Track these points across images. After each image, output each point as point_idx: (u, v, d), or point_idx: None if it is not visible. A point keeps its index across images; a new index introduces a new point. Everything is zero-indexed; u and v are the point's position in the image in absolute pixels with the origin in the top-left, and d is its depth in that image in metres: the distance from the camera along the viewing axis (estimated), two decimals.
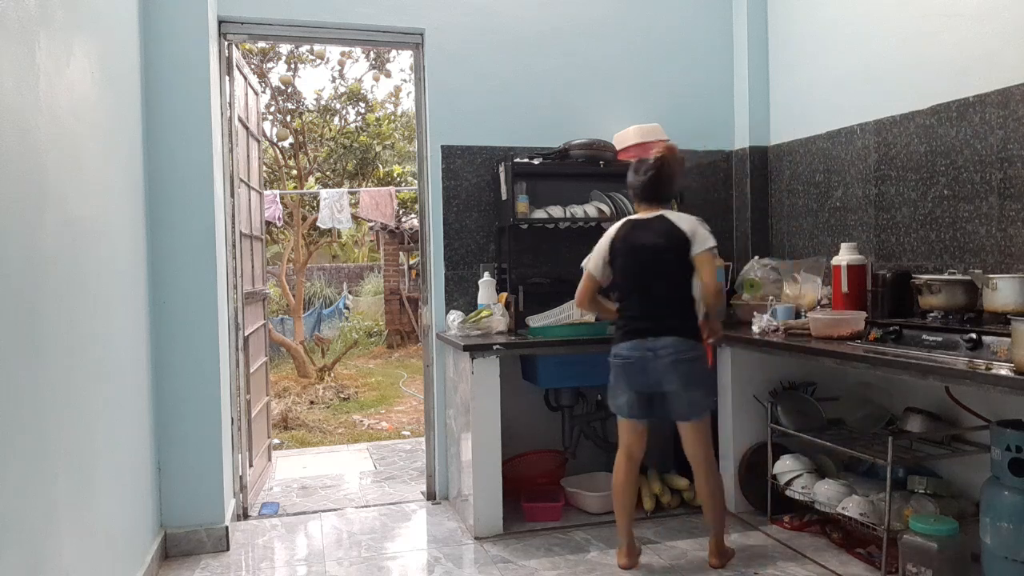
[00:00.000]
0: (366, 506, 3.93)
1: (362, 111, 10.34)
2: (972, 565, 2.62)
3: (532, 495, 3.63)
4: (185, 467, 3.25)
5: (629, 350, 2.89)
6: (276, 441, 5.54)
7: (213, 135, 3.31)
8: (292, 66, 9.43)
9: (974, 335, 2.41)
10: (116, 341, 2.63)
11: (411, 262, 12.54)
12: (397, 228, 11.57)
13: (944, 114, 3.11)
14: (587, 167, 3.85)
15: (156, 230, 3.19)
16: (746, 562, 3.03)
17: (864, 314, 3.06)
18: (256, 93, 4.58)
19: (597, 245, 3.03)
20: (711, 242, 2.84)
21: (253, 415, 4.00)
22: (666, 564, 3.05)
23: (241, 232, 3.87)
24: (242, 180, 3.96)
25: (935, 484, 2.96)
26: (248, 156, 4.19)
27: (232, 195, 3.70)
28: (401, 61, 10.78)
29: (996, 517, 2.40)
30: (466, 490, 3.49)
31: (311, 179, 10.34)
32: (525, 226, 3.85)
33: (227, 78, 3.69)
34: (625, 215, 3.45)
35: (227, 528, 3.31)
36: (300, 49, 9.27)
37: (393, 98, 10.83)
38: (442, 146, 3.90)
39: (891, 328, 2.77)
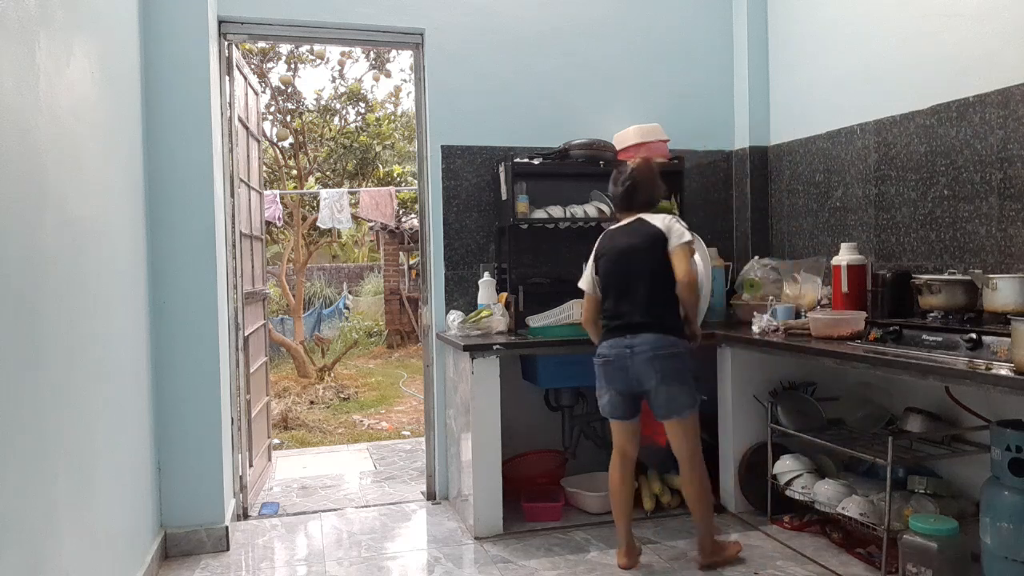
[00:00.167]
0: (366, 506, 3.93)
1: (362, 111, 10.34)
2: (972, 565, 2.62)
3: (532, 495, 3.63)
4: (185, 467, 3.25)
5: (608, 348, 2.91)
6: (276, 441, 5.55)
7: (213, 135, 3.31)
8: (292, 66, 9.43)
9: (974, 335, 2.41)
10: (116, 341, 2.63)
11: (411, 262, 12.54)
12: (397, 228, 11.57)
13: (944, 114, 3.11)
14: (587, 167, 3.85)
15: (156, 230, 3.19)
16: (746, 562, 3.03)
17: (864, 314, 3.06)
18: (256, 93, 4.58)
19: (588, 262, 3.08)
20: (687, 237, 2.85)
21: (253, 415, 4.00)
22: (666, 564, 3.05)
23: (241, 232, 3.87)
24: (242, 180, 3.96)
25: (935, 484, 2.96)
26: (248, 156, 4.19)
27: (232, 195, 3.70)
28: (401, 61, 10.80)
29: (996, 517, 2.40)
30: (466, 490, 3.49)
31: (311, 179, 10.34)
32: (525, 226, 3.85)
33: (227, 78, 3.69)
34: None
35: (227, 528, 3.31)
36: (300, 49, 9.27)
37: (393, 98, 10.84)
38: (442, 146, 3.90)
39: (891, 328, 2.77)
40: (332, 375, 8.63)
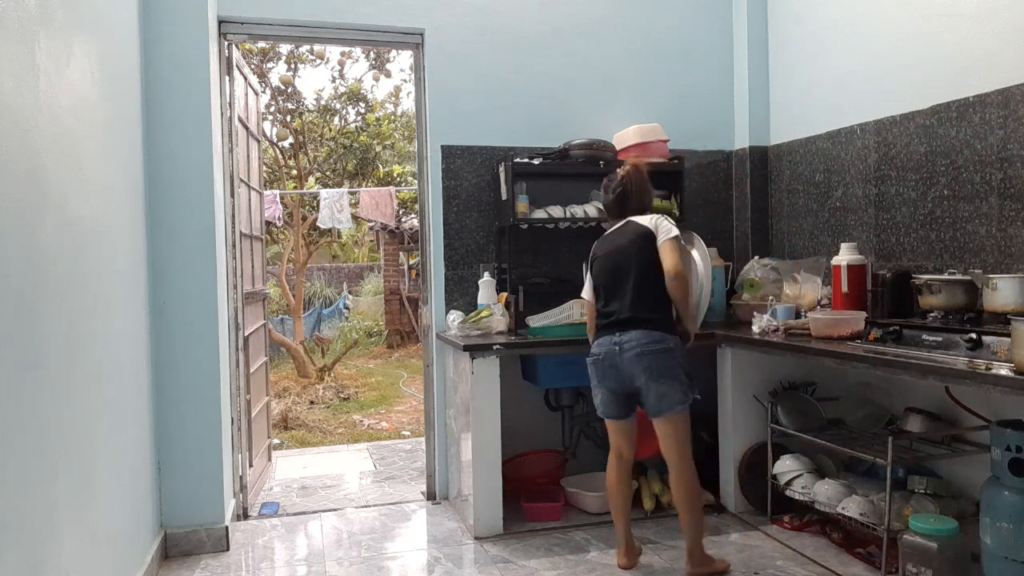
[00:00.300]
0: (366, 506, 3.93)
1: (362, 111, 10.35)
2: (972, 565, 2.62)
3: (532, 495, 3.63)
4: (185, 467, 3.25)
5: (598, 346, 2.91)
6: (276, 441, 5.55)
7: (213, 135, 3.31)
8: (292, 66, 9.43)
9: (974, 335, 2.41)
10: (116, 341, 2.63)
11: (411, 262, 12.54)
12: (397, 228, 11.57)
13: (944, 114, 3.11)
14: (587, 167, 3.85)
15: (156, 230, 3.19)
16: (746, 562, 3.02)
17: (864, 314, 3.06)
18: (256, 93, 4.58)
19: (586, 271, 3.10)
20: (674, 232, 2.84)
21: (253, 415, 4.00)
22: (666, 564, 3.05)
23: (241, 232, 3.87)
24: (242, 180, 3.96)
25: (935, 484, 2.96)
26: (248, 156, 4.19)
27: (232, 195, 3.70)
28: (401, 61, 10.80)
29: (996, 517, 2.40)
30: (466, 490, 3.49)
31: (311, 179, 10.34)
32: (525, 226, 3.85)
33: (227, 78, 3.69)
34: None
35: (227, 528, 3.31)
36: (300, 49, 9.28)
37: (393, 98, 10.84)
38: (442, 146, 3.90)
39: (891, 328, 2.77)
40: (332, 375, 8.63)
